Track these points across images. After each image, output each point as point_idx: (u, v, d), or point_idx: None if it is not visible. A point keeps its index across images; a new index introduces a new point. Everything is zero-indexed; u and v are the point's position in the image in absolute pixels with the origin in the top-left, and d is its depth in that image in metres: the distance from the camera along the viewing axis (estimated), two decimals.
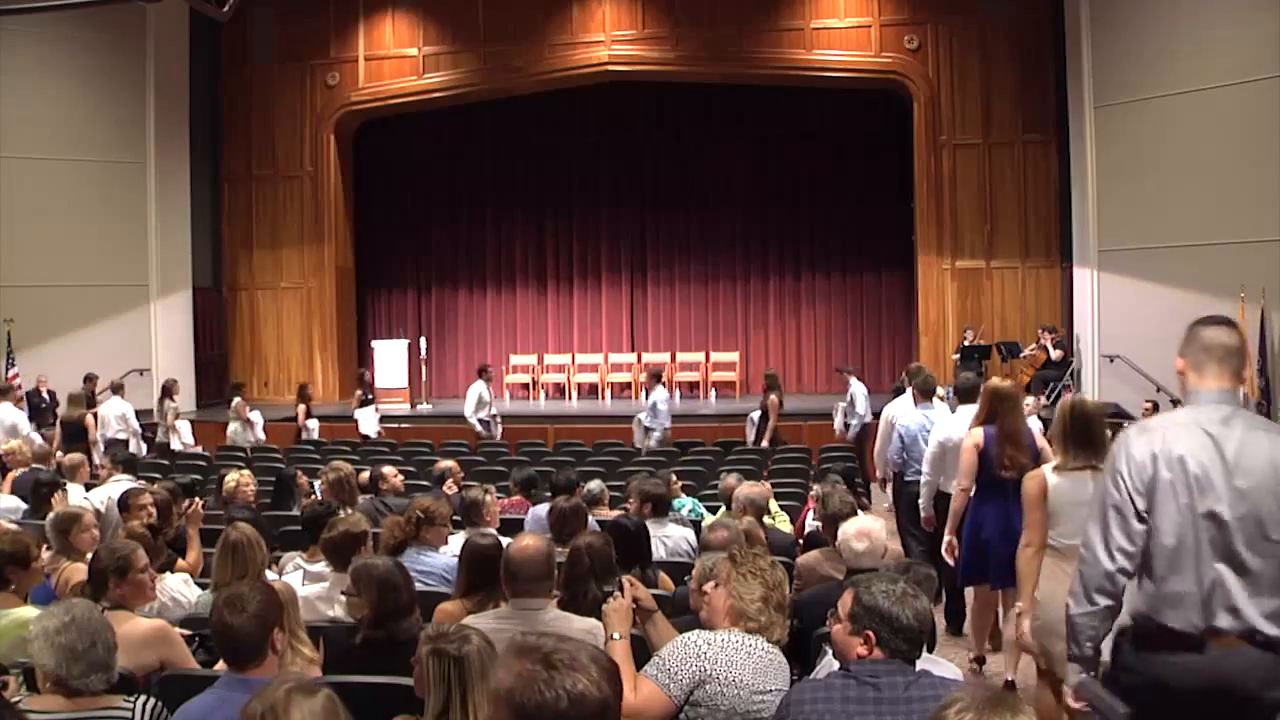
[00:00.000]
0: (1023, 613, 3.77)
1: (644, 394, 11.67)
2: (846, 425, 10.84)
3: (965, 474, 5.05)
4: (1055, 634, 3.24)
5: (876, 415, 9.59)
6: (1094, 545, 2.60)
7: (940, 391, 7.02)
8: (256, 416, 12.18)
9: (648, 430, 11.08)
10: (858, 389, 10.78)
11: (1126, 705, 2.41)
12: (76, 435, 10.85)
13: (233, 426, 12.10)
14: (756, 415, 11.22)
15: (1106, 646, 2.66)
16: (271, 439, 12.17)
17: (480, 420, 11.88)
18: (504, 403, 15.15)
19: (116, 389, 11.92)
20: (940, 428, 5.92)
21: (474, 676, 2.42)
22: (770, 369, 12.37)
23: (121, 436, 11.31)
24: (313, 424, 12.57)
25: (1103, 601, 2.58)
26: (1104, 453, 3.47)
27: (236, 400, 12.37)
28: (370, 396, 13.10)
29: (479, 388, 11.99)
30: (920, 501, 5.93)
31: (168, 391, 12.35)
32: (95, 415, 11.43)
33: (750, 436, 11.21)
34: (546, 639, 1.88)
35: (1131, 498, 2.56)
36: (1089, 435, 3.73)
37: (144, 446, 11.56)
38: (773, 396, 10.95)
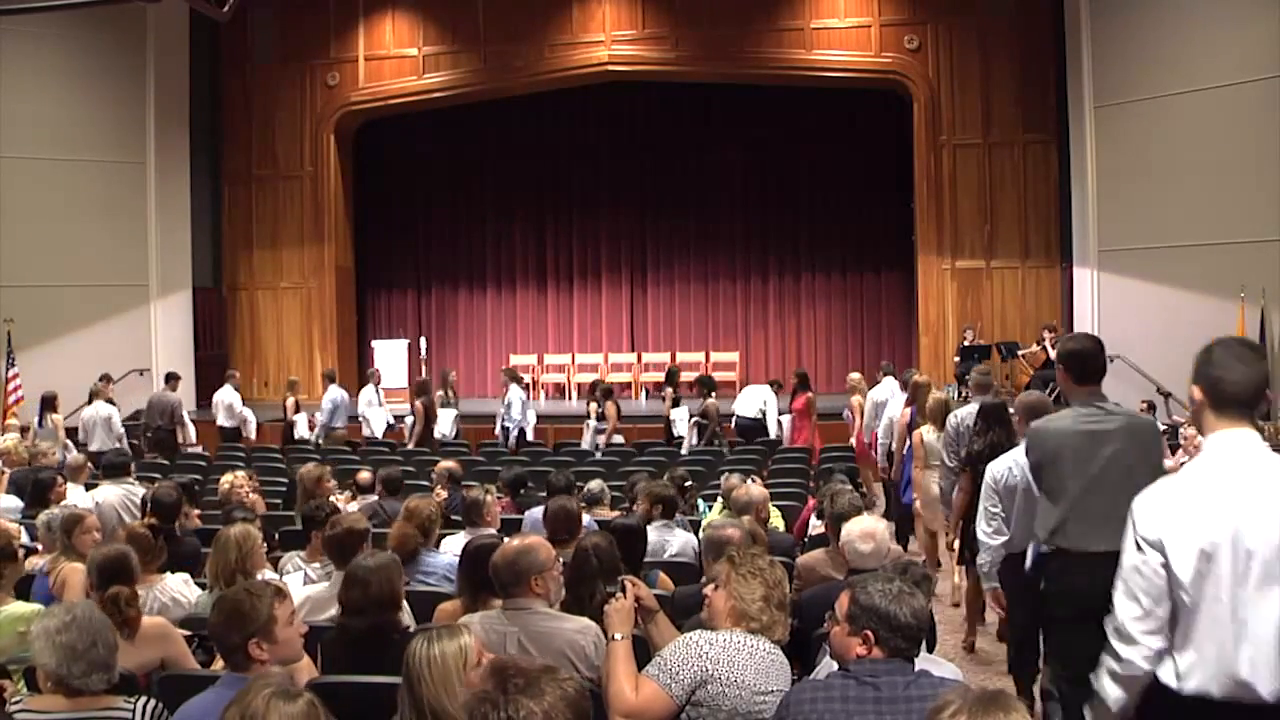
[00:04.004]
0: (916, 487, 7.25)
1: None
2: (505, 430, 11.63)
3: (898, 439, 7.95)
4: (930, 503, 6.85)
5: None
6: (945, 458, 6.15)
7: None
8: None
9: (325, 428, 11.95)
10: (515, 395, 11.58)
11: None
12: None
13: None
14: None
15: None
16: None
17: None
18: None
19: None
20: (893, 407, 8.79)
21: (427, 681, 2.43)
22: (421, 377, 13.16)
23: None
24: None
25: (953, 463, 5.97)
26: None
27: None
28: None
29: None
30: (878, 456, 8.95)
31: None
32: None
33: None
34: (526, 660, 1.93)
35: (952, 440, 6.00)
36: (944, 415, 6.52)
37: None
38: (418, 403, 11.58)
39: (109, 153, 14.42)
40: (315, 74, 15.61)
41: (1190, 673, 2.32)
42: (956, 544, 5.86)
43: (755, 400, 11.34)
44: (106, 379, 12.31)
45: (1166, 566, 2.33)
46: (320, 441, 11.77)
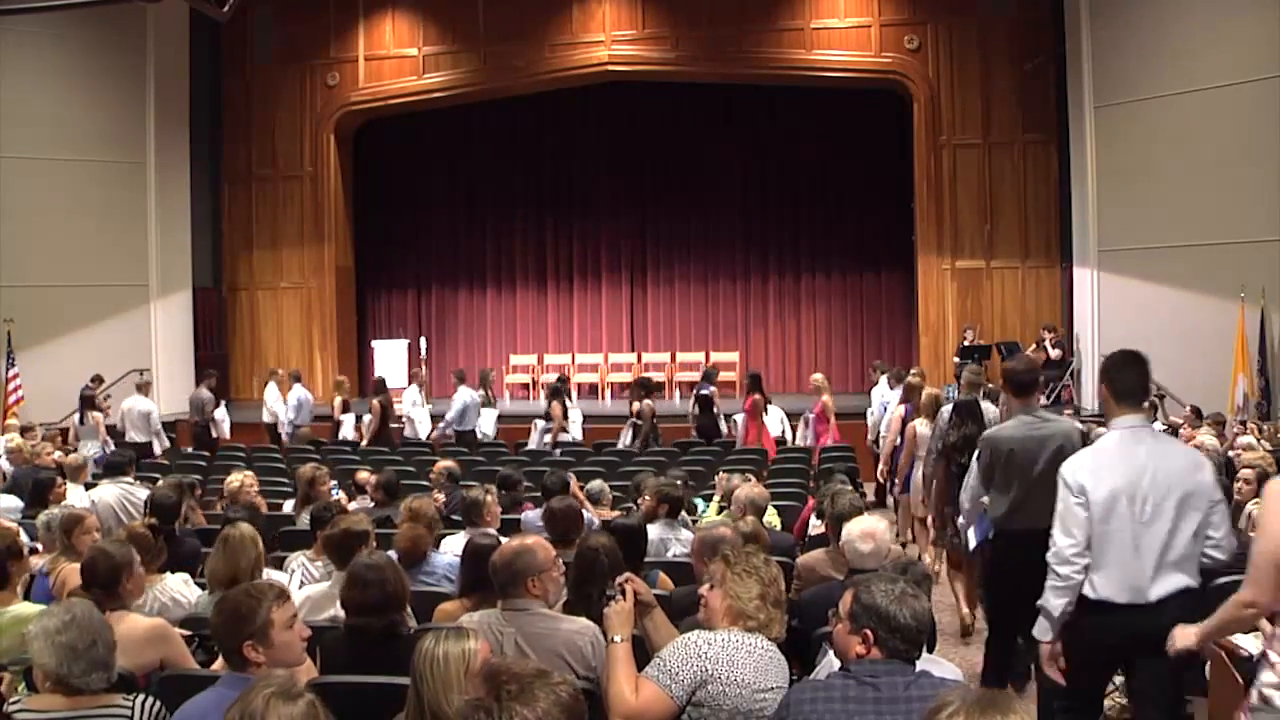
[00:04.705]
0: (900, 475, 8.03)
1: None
2: (456, 432, 11.73)
3: (894, 431, 8.52)
4: (916, 490, 7.36)
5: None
6: (932, 446, 6.45)
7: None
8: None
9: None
10: (458, 398, 11.64)
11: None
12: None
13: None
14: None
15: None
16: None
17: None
18: (504, 403, 15.17)
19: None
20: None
21: (433, 673, 2.46)
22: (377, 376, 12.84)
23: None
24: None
25: (936, 453, 6.21)
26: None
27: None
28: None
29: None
30: (881, 448, 9.34)
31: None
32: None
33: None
34: (519, 664, 1.94)
35: (940, 431, 6.10)
36: (935, 410, 6.94)
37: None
38: (375, 402, 11.71)
39: (109, 153, 14.42)
40: (315, 74, 15.61)
41: (1101, 585, 3.30)
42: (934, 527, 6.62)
43: (775, 420, 11.43)
44: (98, 379, 12.39)
45: (1087, 507, 3.30)
46: (287, 439, 11.91)
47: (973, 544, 5.01)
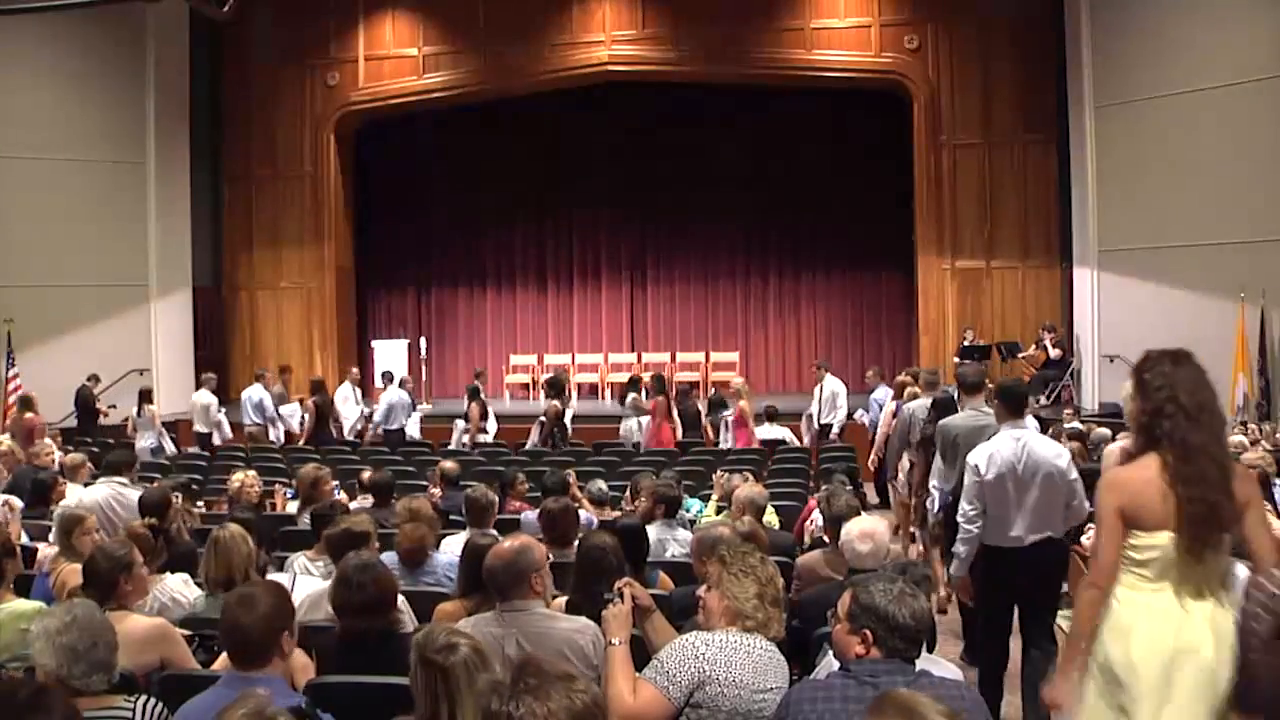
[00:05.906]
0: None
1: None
2: (386, 432, 12.05)
3: (884, 424, 9.09)
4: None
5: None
6: (891, 440, 8.14)
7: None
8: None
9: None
10: (385, 397, 12.15)
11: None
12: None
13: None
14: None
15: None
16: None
17: None
18: (504, 402, 15.19)
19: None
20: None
21: (460, 687, 2.42)
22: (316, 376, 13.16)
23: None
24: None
25: (897, 444, 7.85)
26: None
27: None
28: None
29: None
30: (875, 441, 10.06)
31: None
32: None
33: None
34: (551, 663, 1.99)
35: (904, 428, 7.53)
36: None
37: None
38: (310, 401, 11.89)
39: (109, 153, 14.42)
40: (315, 74, 15.60)
41: (994, 536, 4.62)
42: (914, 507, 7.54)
43: (774, 429, 11.47)
44: (95, 379, 12.43)
45: (983, 484, 4.60)
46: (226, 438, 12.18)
47: (935, 508, 6.10)
